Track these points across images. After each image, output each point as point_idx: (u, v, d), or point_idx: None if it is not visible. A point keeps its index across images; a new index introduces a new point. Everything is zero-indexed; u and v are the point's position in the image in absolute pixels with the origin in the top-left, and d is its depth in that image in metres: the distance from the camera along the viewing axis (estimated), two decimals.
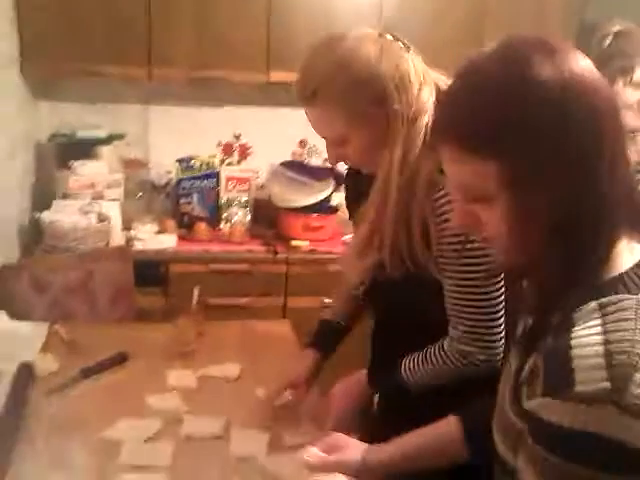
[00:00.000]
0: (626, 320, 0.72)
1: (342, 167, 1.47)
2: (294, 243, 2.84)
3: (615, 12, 1.99)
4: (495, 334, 1.21)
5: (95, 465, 1.27)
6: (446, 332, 1.26)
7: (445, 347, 1.25)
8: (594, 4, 2.92)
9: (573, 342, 0.72)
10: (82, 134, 2.81)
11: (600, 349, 0.70)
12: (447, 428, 1.07)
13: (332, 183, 2.91)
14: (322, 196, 2.85)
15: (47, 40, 2.60)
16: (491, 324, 1.20)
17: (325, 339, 1.53)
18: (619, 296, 0.74)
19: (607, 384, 0.68)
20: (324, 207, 2.86)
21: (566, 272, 0.76)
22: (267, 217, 3.03)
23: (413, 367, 1.29)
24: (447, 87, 0.84)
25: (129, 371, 1.65)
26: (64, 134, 2.83)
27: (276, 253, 2.78)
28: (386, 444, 1.09)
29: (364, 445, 1.10)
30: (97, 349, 1.68)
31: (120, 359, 1.66)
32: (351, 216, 1.50)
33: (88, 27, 2.62)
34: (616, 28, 1.82)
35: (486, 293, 1.19)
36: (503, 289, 1.20)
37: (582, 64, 0.76)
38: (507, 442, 0.85)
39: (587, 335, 0.71)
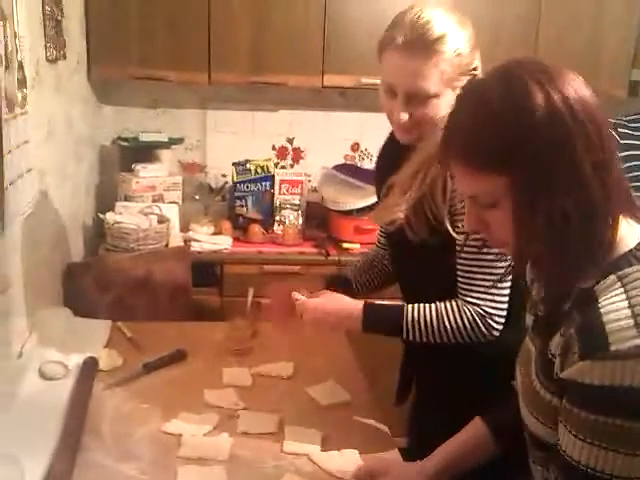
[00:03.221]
0: None
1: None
2: (345, 245, 2.88)
3: None
4: (505, 295, 1.33)
5: (156, 457, 1.32)
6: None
7: (457, 302, 1.35)
8: None
9: (602, 310, 0.83)
10: (144, 138, 2.91)
11: (628, 312, 0.81)
12: (475, 429, 1.17)
13: None
14: (374, 199, 2.86)
15: (112, 46, 2.72)
16: (503, 286, 1.32)
17: (338, 282, 1.65)
18: (633, 267, 0.86)
19: (638, 340, 0.78)
20: None
21: (578, 260, 0.86)
22: (319, 219, 3.08)
23: (417, 308, 1.37)
24: (452, 111, 0.94)
25: (188, 367, 1.71)
26: (127, 138, 2.94)
27: (328, 255, 2.82)
28: (428, 458, 1.19)
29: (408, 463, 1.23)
30: (158, 346, 1.75)
31: (180, 356, 1.73)
32: (379, 187, 1.59)
33: (151, 34, 2.73)
34: None
35: (498, 260, 1.28)
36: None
37: (574, 87, 0.85)
38: (541, 417, 0.93)
39: (613, 302, 0.83)
